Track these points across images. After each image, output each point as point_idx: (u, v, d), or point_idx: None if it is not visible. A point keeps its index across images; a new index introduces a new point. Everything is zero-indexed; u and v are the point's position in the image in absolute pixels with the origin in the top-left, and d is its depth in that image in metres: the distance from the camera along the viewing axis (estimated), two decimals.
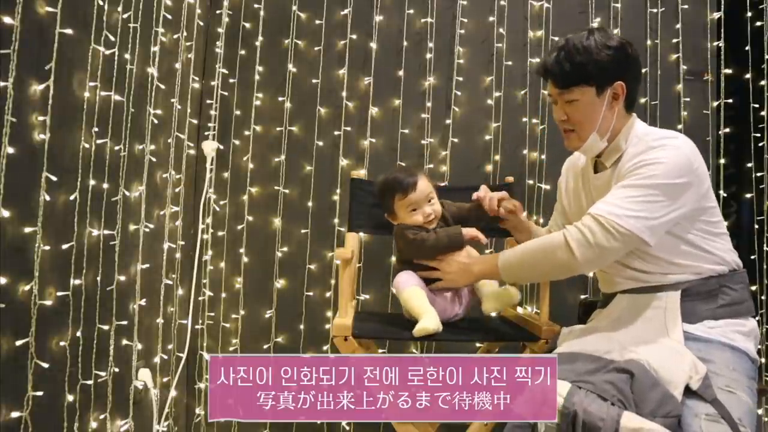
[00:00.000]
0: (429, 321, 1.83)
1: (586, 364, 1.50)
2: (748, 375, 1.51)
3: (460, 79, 2.97)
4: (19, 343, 1.60)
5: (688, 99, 2.95)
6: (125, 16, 2.11)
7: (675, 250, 1.65)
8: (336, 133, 2.95)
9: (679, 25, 2.95)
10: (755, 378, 1.54)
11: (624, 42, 1.72)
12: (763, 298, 2.77)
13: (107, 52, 2.00)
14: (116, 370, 2.14)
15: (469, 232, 1.97)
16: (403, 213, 2.05)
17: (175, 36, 2.60)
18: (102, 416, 2.06)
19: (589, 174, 1.89)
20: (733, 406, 1.38)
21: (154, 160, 2.41)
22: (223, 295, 2.91)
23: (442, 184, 2.72)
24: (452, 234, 1.97)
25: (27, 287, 1.63)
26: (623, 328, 1.65)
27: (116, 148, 2.10)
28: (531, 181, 2.93)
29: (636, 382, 1.40)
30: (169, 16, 2.48)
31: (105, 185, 2.03)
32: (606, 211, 1.57)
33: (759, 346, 2.68)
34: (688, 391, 1.41)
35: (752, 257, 2.80)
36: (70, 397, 1.85)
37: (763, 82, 2.82)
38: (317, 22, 2.97)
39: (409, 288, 1.94)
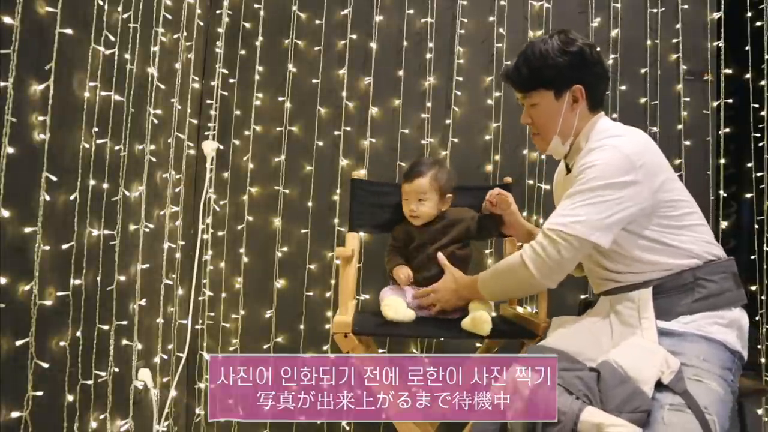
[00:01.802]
0: (388, 308, 1.99)
1: (563, 362, 1.54)
2: (722, 365, 1.50)
3: (460, 79, 2.97)
4: (19, 343, 1.60)
5: (688, 99, 2.95)
6: (125, 16, 2.11)
7: (637, 248, 1.66)
8: (336, 133, 2.95)
9: (679, 25, 2.95)
10: (732, 368, 1.53)
11: (583, 45, 1.74)
12: (763, 298, 2.77)
13: (107, 52, 2.00)
14: (116, 370, 2.14)
15: (401, 278, 2.16)
16: (402, 198, 2.25)
17: (175, 36, 2.60)
18: (102, 416, 2.06)
19: (560, 176, 1.98)
20: (700, 394, 1.40)
21: (154, 160, 2.41)
22: (223, 295, 2.91)
23: None
24: (392, 272, 2.21)
25: (27, 287, 1.63)
26: (603, 331, 1.68)
27: (116, 148, 2.10)
28: (531, 181, 2.93)
29: (603, 381, 1.44)
30: (169, 16, 2.48)
31: (105, 185, 2.03)
32: (552, 223, 1.63)
33: (760, 346, 2.71)
34: (660, 386, 1.43)
35: (752, 257, 2.80)
36: (70, 397, 1.85)
37: (763, 82, 2.82)
38: (317, 22, 2.97)
39: (385, 298, 2.08)
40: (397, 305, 1.99)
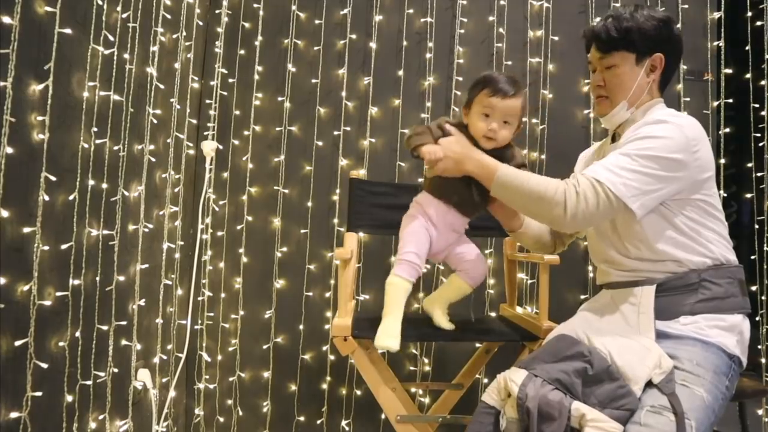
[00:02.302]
0: (383, 337, 1.78)
1: (555, 344, 1.58)
2: (715, 370, 1.50)
3: (460, 79, 2.97)
4: (18, 343, 1.60)
5: (688, 99, 2.95)
6: (124, 15, 2.11)
7: (659, 235, 1.65)
8: (335, 133, 2.95)
9: (678, 25, 2.95)
10: (728, 373, 1.53)
11: (670, 18, 1.73)
12: (763, 298, 2.77)
13: (106, 52, 2.00)
14: (115, 370, 2.15)
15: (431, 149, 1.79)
16: (476, 110, 1.87)
17: (175, 36, 2.60)
18: (101, 417, 2.06)
19: (606, 147, 1.89)
20: (684, 399, 1.40)
21: (153, 160, 2.41)
22: (223, 295, 2.91)
23: None
24: (412, 140, 1.85)
25: (26, 287, 1.63)
26: (601, 321, 1.69)
27: (115, 148, 2.10)
28: None
29: (591, 375, 1.45)
30: (169, 16, 2.48)
31: (104, 185, 2.03)
32: (602, 176, 1.57)
33: (760, 346, 2.71)
34: (649, 385, 1.44)
35: (752, 257, 2.80)
36: (69, 398, 1.85)
37: (763, 82, 2.83)
38: (317, 21, 2.97)
39: (393, 278, 1.86)
40: (387, 333, 1.79)
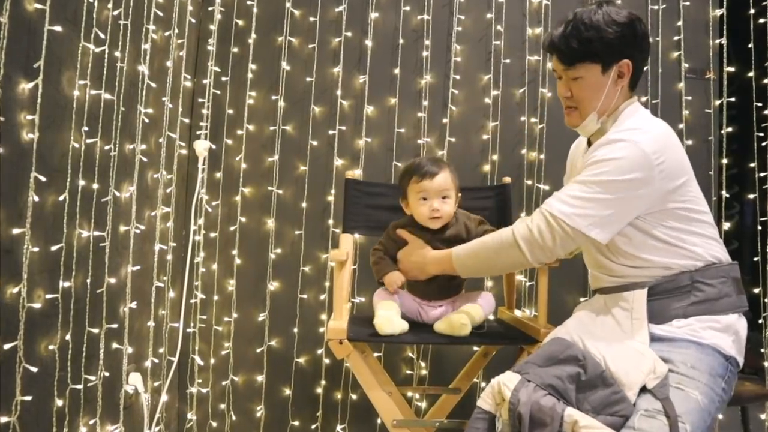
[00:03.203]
0: (381, 322, 1.92)
1: (548, 348, 1.59)
2: (711, 372, 1.51)
3: (457, 77, 2.98)
4: (7, 346, 1.60)
5: (689, 98, 2.97)
6: (115, 13, 2.12)
7: (642, 246, 1.66)
8: (330, 132, 2.96)
9: (680, 22, 2.97)
10: (724, 375, 1.54)
11: (633, 17, 1.70)
12: (766, 300, 2.78)
13: (97, 50, 2.01)
14: (106, 374, 2.15)
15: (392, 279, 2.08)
16: (413, 198, 2.11)
17: (167, 33, 2.61)
18: (92, 421, 2.06)
19: (582, 150, 1.92)
20: (678, 402, 1.41)
21: (144, 160, 2.42)
22: (216, 297, 2.92)
23: None
24: (379, 272, 2.12)
25: (15, 290, 1.64)
26: (595, 325, 1.69)
27: (106, 147, 2.11)
28: (530, 182, 2.94)
29: (586, 378, 1.47)
30: (161, 13, 2.48)
31: (95, 186, 2.04)
32: (555, 208, 1.62)
33: (763, 350, 2.72)
34: (643, 390, 1.46)
35: (755, 259, 2.81)
36: (59, 402, 1.85)
37: (766, 81, 2.83)
38: (311, 19, 2.98)
39: (379, 302, 2.06)
40: (390, 318, 1.93)
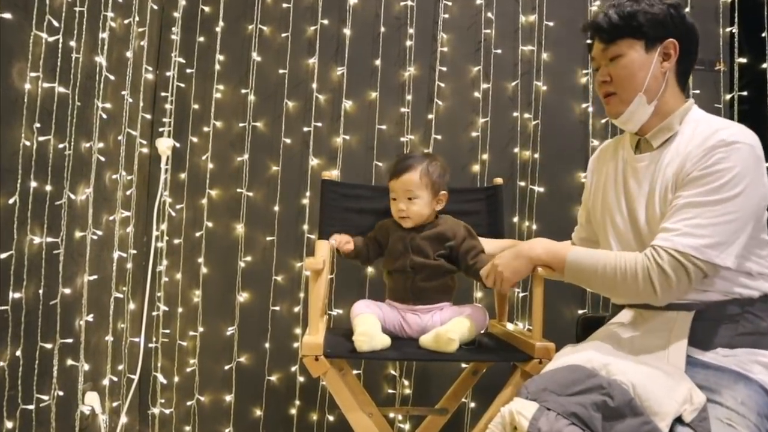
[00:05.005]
0: (360, 339, 1.90)
1: (567, 375, 1.52)
2: (758, 411, 1.45)
3: (444, 69, 3.02)
4: None
5: (698, 91, 3.00)
6: None
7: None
8: (305, 129, 2.98)
9: (687, 9, 2.99)
10: None
11: (680, 3, 1.69)
12: None
13: (50, 39, 2.02)
14: (60, 393, 2.17)
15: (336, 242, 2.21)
16: (390, 197, 2.23)
17: (126, 21, 2.62)
18: None
19: (628, 156, 1.83)
20: None
21: (102, 159, 2.43)
22: (180, 310, 2.93)
23: None
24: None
25: None
26: (621, 346, 1.66)
27: (60, 146, 2.13)
28: (523, 183, 2.97)
29: (612, 408, 1.42)
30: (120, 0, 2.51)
31: (48, 187, 2.05)
32: (681, 245, 1.54)
33: None
34: (680, 422, 1.41)
35: None
36: (9, 424, 1.87)
37: None
38: (284, 5, 3.01)
39: (357, 316, 2.06)
40: (371, 333, 1.92)
